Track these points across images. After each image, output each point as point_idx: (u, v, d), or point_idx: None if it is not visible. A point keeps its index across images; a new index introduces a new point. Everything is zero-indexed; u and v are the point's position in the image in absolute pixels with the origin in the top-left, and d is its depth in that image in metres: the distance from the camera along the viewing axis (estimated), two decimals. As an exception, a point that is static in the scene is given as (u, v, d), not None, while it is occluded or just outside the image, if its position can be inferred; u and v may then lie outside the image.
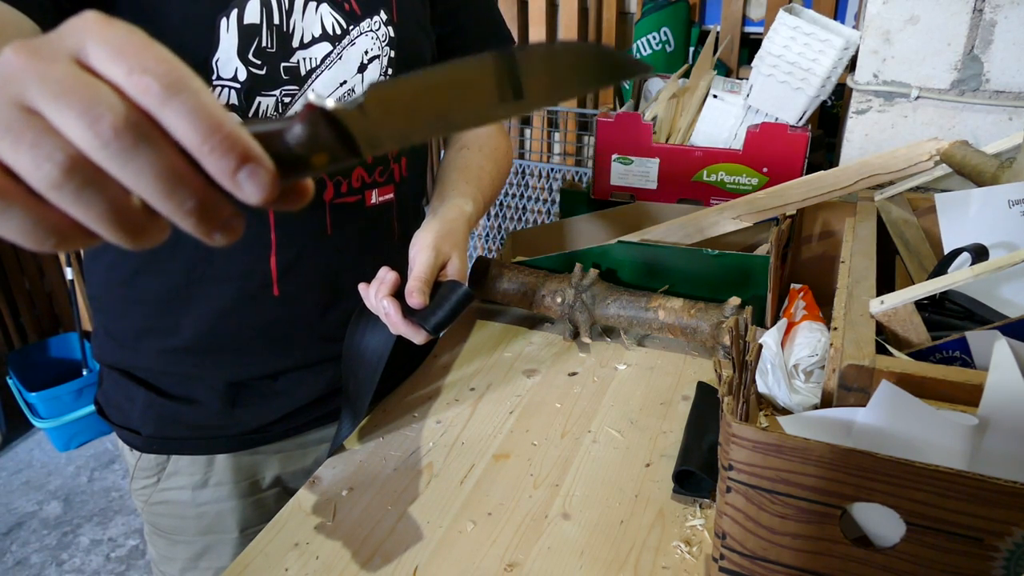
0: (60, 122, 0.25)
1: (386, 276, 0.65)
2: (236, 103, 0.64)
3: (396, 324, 0.64)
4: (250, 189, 0.27)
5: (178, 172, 0.26)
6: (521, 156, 2.34)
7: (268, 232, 0.69)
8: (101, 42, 0.26)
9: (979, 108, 1.01)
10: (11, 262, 2.33)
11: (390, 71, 0.73)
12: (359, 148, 0.29)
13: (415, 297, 0.63)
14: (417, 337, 0.64)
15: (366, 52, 0.70)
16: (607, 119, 1.02)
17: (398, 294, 0.65)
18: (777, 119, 0.98)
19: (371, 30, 0.70)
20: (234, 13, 0.62)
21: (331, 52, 0.68)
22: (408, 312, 0.64)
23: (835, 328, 0.59)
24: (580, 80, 0.32)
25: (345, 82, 0.69)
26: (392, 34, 0.72)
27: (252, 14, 0.63)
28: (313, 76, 0.67)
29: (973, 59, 0.98)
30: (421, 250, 0.67)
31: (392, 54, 0.72)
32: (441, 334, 0.94)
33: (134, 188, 0.26)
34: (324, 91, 0.68)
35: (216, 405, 0.75)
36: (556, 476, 0.67)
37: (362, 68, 0.70)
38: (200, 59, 0.62)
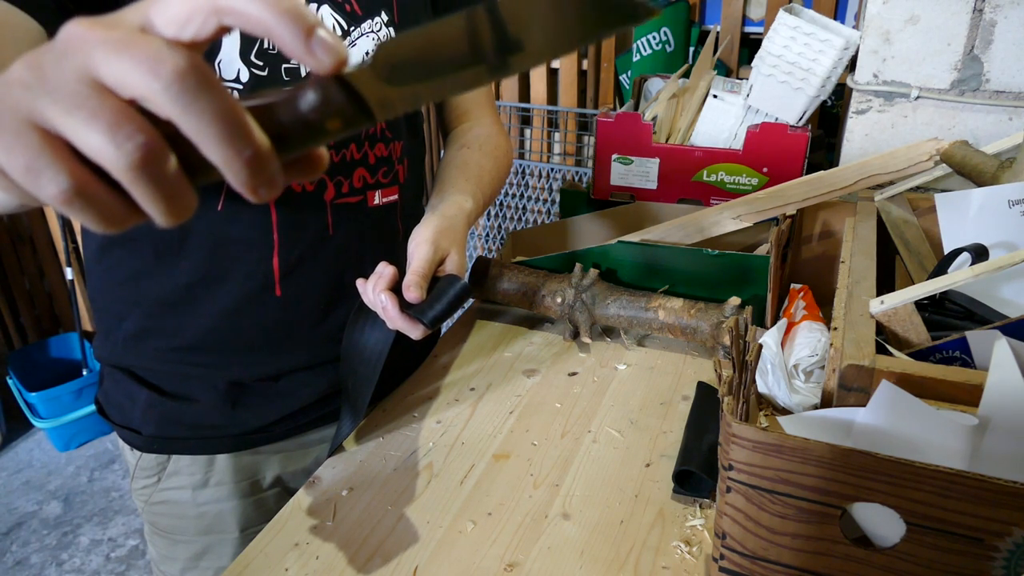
0: (118, 73, 0.26)
1: (384, 270, 0.65)
2: None
3: (393, 319, 0.64)
4: (324, 54, 0.28)
5: (240, 118, 0.27)
6: (521, 156, 2.34)
7: (270, 233, 0.69)
8: (163, 9, 0.27)
9: (979, 108, 1.01)
10: (11, 262, 2.34)
11: None
12: (372, 110, 0.29)
13: (412, 291, 0.63)
14: (414, 332, 0.64)
15: (367, 54, 0.70)
16: (607, 119, 1.02)
17: (396, 289, 0.65)
18: (777, 119, 0.98)
19: (372, 31, 0.70)
20: None
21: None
22: (405, 307, 0.64)
23: (835, 328, 0.59)
24: (576, 27, 0.30)
25: None
26: (393, 35, 0.72)
27: None
28: None
29: (973, 59, 0.98)
30: (419, 245, 0.67)
31: None
32: (443, 332, 0.94)
33: (196, 134, 0.26)
34: None
35: (217, 405, 0.75)
36: (556, 476, 0.67)
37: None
38: None
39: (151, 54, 0.26)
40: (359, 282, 0.67)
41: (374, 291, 0.65)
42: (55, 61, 0.26)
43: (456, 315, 0.72)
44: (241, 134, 0.27)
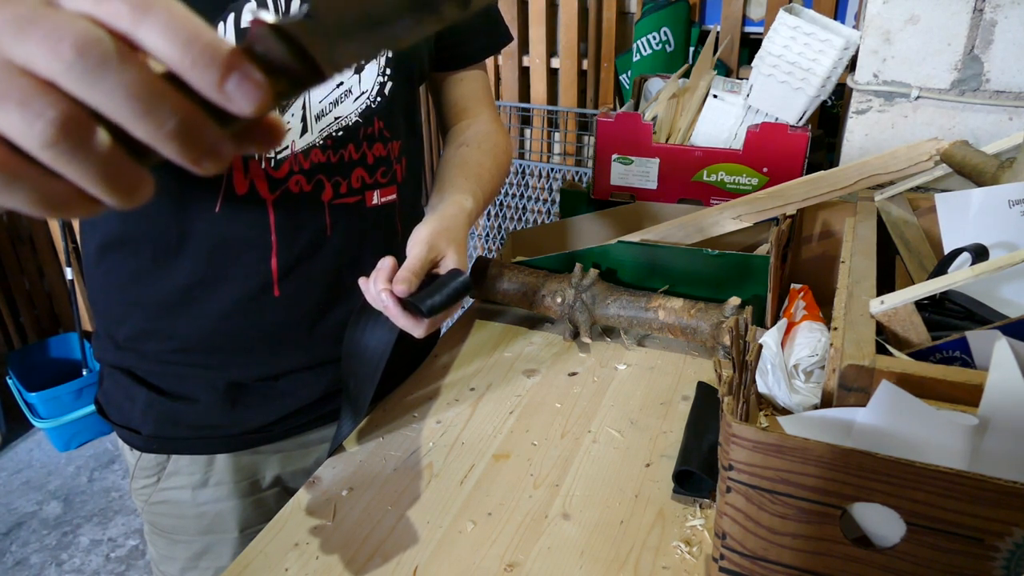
0: (25, 55, 0.25)
1: (383, 264, 0.65)
2: None
3: (396, 316, 0.64)
4: (241, 99, 0.26)
5: (154, 90, 0.25)
6: (521, 156, 2.34)
7: (268, 234, 0.69)
8: None
9: (979, 108, 1.01)
10: (11, 262, 2.33)
11: (388, 71, 0.73)
12: (320, 67, 0.27)
13: (400, 284, 0.63)
14: (417, 329, 0.64)
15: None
16: (607, 119, 1.02)
17: None
18: (777, 119, 0.97)
19: None
20: (231, 17, 0.62)
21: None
22: (407, 303, 0.64)
23: (835, 328, 0.59)
24: None
25: (341, 83, 0.69)
26: None
27: (249, 17, 0.63)
28: None
29: (973, 59, 0.98)
30: (415, 244, 0.67)
31: (389, 53, 0.72)
32: (442, 332, 0.94)
33: (109, 112, 0.25)
34: (320, 95, 0.68)
35: (216, 405, 0.75)
36: (556, 476, 0.67)
37: (359, 68, 0.70)
38: None
39: (51, 32, 0.24)
40: (361, 281, 0.67)
41: (375, 286, 0.64)
42: None
43: (456, 315, 0.72)
44: (158, 107, 0.25)
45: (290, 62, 0.27)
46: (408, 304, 0.64)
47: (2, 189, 0.26)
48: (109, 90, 0.25)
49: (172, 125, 0.26)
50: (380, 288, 0.64)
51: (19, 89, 0.25)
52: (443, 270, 0.68)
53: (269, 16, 0.26)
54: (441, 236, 0.68)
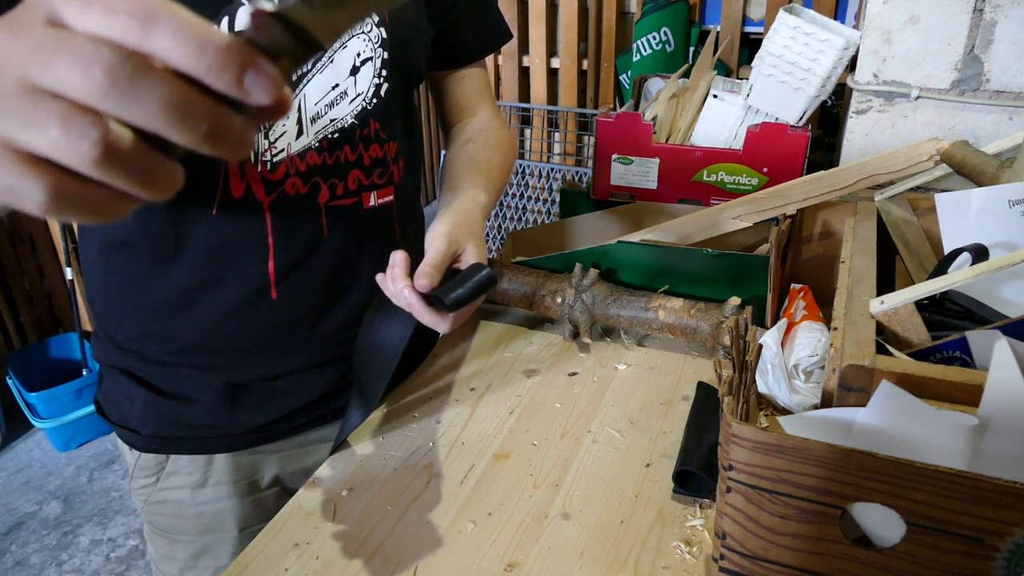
0: (53, 81, 0.25)
1: (396, 259, 0.64)
2: None
3: (420, 312, 0.63)
4: (259, 91, 0.27)
5: (185, 97, 0.26)
6: (521, 156, 2.34)
7: (265, 237, 0.69)
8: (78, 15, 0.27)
9: (979, 108, 1.01)
10: (11, 262, 2.33)
11: (384, 72, 0.73)
12: (318, 41, 0.29)
13: (422, 279, 0.62)
14: (442, 325, 0.64)
15: (358, 54, 0.70)
16: (607, 119, 1.02)
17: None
18: (777, 119, 0.97)
19: (363, 32, 0.70)
20: (224, 21, 0.62)
21: (322, 55, 0.67)
22: (429, 298, 0.63)
23: (835, 328, 0.59)
24: None
25: (337, 85, 0.69)
26: (384, 35, 0.71)
27: (242, 20, 0.63)
28: (304, 80, 0.67)
29: (973, 59, 0.98)
30: (434, 239, 0.66)
31: (385, 55, 0.72)
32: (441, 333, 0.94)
33: (147, 124, 0.26)
34: (315, 97, 0.68)
35: (215, 405, 0.75)
36: (556, 476, 0.67)
37: (354, 70, 0.70)
38: None
39: (78, 58, 0.25)
40: (379, 278, 0.66)
41: (394, 283, 0.63)
42: None
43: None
44: (191, 113, 0.26)
45: (292, 43, 0.28)
46: (431, 299, 0.63)
47: (58, 209, 0.27)
48: (144, 105, 0.26)
49: (206, 127, 0.27)
50: (401, 285, 0.63)
51: (57, 114, 0.26)
52: (463, 264, 0.67)
53: (267, 4, 0.27)
54: (460, 230, 0.67)
